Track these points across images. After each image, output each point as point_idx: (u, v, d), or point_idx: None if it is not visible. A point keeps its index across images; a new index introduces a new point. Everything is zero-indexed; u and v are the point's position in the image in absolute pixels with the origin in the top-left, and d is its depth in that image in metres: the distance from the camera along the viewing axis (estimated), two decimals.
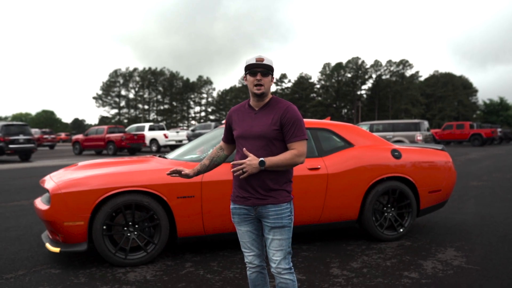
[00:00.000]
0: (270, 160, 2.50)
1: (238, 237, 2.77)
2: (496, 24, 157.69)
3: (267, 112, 2.63)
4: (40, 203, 4.48)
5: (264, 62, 2.59)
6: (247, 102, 2.76)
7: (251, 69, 2.60)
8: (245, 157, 2.60)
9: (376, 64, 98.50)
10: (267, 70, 2.59)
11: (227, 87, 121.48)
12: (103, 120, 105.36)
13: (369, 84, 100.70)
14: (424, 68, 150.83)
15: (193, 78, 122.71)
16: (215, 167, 2.97)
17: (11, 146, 19.77)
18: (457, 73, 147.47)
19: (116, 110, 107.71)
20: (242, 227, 2.70)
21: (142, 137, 25.11)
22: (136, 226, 4.38)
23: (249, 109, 2.71)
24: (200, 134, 25.61)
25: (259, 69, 2.59)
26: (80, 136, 26.43)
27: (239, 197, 2.66)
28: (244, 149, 2.50)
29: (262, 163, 2.48)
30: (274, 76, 2.69)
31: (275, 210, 2.57)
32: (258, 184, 2.57)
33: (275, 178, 2.59)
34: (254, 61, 2.59)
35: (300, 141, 2.57)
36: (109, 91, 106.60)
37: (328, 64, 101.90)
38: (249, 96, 2.87)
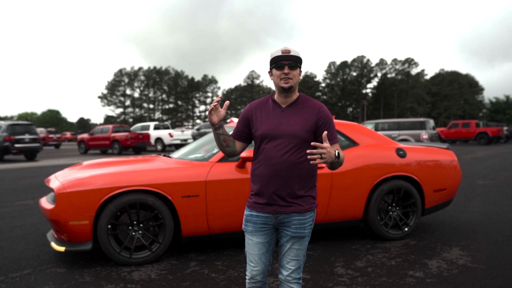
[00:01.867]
0: (340, 153, 2.24)
1: (245, 247, 2.50)
2: (505, 21, 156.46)
3: (298, 111, 2.39)
4: (45, 203, 4.50)
5: (291, 53, 2.34)
6: (270, 97, 2.49)
7: (277, 62, 2.35)
8: (272, 157, 2.35)
9: (382, 63, 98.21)
10: (295, 62, 2.35)
11: (232, 86, 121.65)
12: (108, 119, 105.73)
13: (374, 82, 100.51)
14: (430, 66, 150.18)
15: (197, 76, 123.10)
16: (225, 146, 2.48)
17: (16, 145, 19.86)
18: (465, 70, 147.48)
19: (121, 109, 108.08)
20: (254, 237, 2.43)
21: (147, 136, 25.17)
22: (141, 225, 4.39)
23: (274, 106, 2.44)
24: (205, 133, 25.65)
25: (286, 62, 2.33)
26: (85, 136, 26.52)
27: (259, 203, 2.41)
28: (325, 133, 2.13)
29: (338, 155, 2.20)
30: (301, 69, 2.44)
31: (299, 219, 2.36)
32: (287, 191, 2.34)
33: (302, 183, 2.37)
34: (279, 53, 2.34)
35: (338, 143, 2.40)
36: (114, 90, 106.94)
37: (333, 63, 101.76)
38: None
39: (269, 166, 2.35)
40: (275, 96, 2.47)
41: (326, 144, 2.10)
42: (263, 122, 2.41)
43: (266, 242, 2.44)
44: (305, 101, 2.44)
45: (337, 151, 2.21)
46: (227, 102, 2.39)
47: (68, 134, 63.26)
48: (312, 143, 2.09)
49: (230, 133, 3.14)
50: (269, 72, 2.47)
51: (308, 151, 2.08)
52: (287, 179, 2.34)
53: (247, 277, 2.51)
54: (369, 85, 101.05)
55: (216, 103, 2.35)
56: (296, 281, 2.43)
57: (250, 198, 2.48)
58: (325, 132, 2.14)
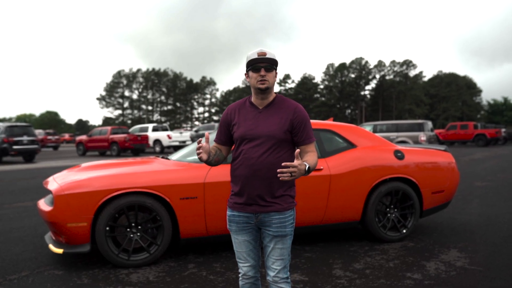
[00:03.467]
0: (310, 165, 2.29)
1: (233, 246, 2.57)
2: (506, 21, 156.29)
3: (274, 112, 2.44)
4: (44, 205, 4.50)
5: (267, 56, 2.38)
6: (248, 99, 2.53)
7: (253, 65, 2.39)
8: (251, 157, 2.38)
9: (380, 65, 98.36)
10: (271, 64, 2.39)
11: (231, 87, 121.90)
12: (106, 121, 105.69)
13: (372, 84, 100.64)
14: (428, 67, 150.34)
15: (196, 77, 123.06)
16: (217, 163, 2.56)
17: (15, 147, 19.83)
18: (464, 71, 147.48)
19: (119, 111, 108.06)
20: (239, 236, 2.49)
21: (146, 138, 25.14)
22: (139, 227, 4.39)
23: (251, 107, 2.48)
24: (203, 135, 25.63)
25: (262, 64, 2.38)
26: (83, 137, 26.47)
27: (239, 203, 2.46)
28: (297, 151, 2.19)
29: (309, 170, 2.26)
30: (277, 71, 2.49)
31: (279, 218, 2.40)
32: (266, 191, 2.38)
33: (281, 182, 2.41)
34: (256, 56, 2.38)
35: (313, 142, 2.46)
36: (112, 92, 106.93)
37: (331, 65, 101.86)
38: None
39: (248, 166, 2.39)
40: (252, 98, 2.51)
41: (297, 162, 2.15)
42: (241, 124, 2.46)
43: (251, 239, 2.50)
44: (281, 102, 2.48)
45: (307, 166, 2.24)
46: (207, 134, 2.40)
47: (66, 136, 63.08)
48: (282, 164, 2.14)
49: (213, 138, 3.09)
50: (245, 74, 2.50)
51: (278, 170, 2.14)
52: (265, 179, 2.38)
53: (239, 274, 2.56)
54: (368, 87, 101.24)
55: (201, 144, 2.35)
56: (284, 281, 2.45)
57: (230, 198, 2.53)
58: (297, 151, 2.19)
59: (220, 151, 2.59)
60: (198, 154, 2.35)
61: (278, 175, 2.14)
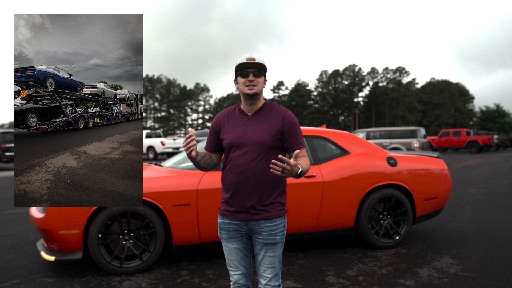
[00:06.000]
0: (303, 169, 2.26)
1: (224, 254, 2.54)
2: (501, 28, 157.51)
3: (263, 118, 2.43)
4: (36, 212, 4.47)
5: (256, 61, 2.38)
6: (237, 106, 2.53)
7: (242, 70, 2.39)
8: (240, 165, 2.37)
9: (373, 71, 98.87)
10: (260, 70, 2.39)
11: (224, 94, 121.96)
12: None
13: (366, 91, 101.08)
14: (421, 74, 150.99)
15: (189, 83, 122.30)
16: (206, 167, 2.52)
17: (7, 153, 19.78)
18: (457, 78, 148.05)
19: None
20: (230, 244, 2.48)
21: None
22: (132, 234, 4.37)
23: (241, 114, 2.48)
24: (197, 142, 25.61)
25: (251, 70, 2.38)
26: None
27: (229, 211, 2.45)
28: (296, 151, 2.15)
29: (301, 173, 2.22)
30: (266, 77, 2.48)
31: (269, 226, 2.39)
32: (256, 198, 2.38)
33: (271, 190, 2.39)
34: (244, 61, 2.38)
35: (304, 148, 2.43)
36: None
37: (325, 72, 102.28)
38: None
39: (237, 174, 2.38)
40: (242, 105, 2.51)
41: (293, 162, 2.13)
42: (230, 131, 2.45)
43: (242, 247, 2.49)
44: (270, 108, 2.47)
45: (300, 169, 2.21)
46: (191, 130, 2.32)
47: None
48: (279, 156, 2.11)
49: (203, 144, 3.05)
50: (234, 80, 2.50)
51: (273, 160, 2.09)
52: (255, 186, 2.37)
53: (231, 282, 2.56)
54: (361, 94, 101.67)
55: (191, 140, 2.28)
56: None
57: (221, 205, 2.52)
58: (297, 151, 2.16)
59: (210, 157, 2.57)
60: (188, 148, 2.28)
61: (270, 165, 2.10)
